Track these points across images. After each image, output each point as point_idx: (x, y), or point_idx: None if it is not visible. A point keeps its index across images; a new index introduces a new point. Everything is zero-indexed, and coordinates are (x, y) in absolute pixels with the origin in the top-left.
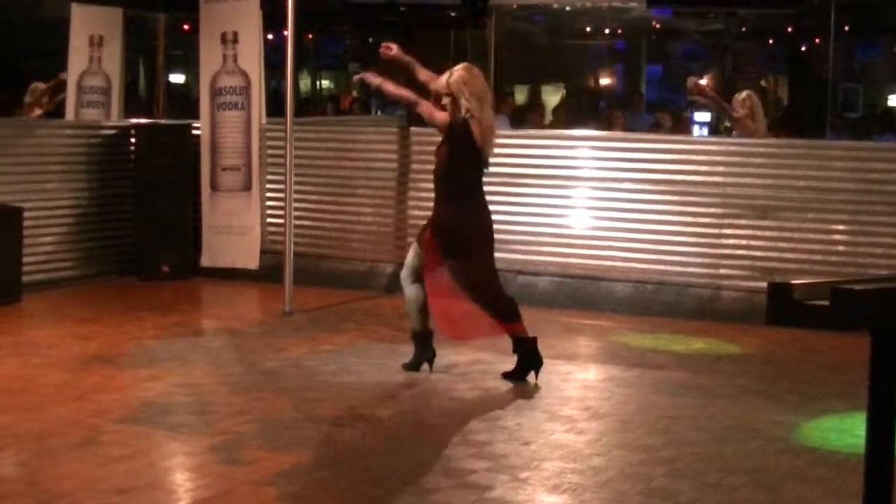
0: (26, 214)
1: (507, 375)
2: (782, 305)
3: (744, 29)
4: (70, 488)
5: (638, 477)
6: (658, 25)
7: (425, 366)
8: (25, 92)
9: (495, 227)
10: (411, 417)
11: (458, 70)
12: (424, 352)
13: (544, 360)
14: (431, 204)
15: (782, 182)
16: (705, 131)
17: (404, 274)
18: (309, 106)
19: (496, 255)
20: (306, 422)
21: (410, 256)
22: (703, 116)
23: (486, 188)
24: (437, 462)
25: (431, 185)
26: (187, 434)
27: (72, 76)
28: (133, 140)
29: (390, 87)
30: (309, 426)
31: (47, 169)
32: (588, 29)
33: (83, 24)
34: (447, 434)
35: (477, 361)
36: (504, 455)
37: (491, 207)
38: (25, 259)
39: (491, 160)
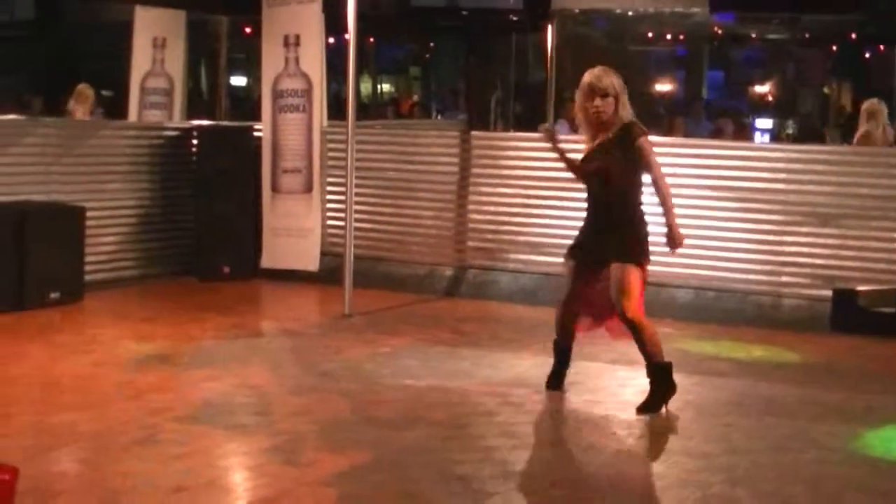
0: (89, 214)
1: (640, 408)
2: (847, 312)
3: (807, 35)
4: (129, 485)
5: (696, 484)
6: (720, 31)
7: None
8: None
9: (555, 232)
10: (469, 421)
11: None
12: (670, 384)
13: (602, 365)
14: (491, 207)
15: (844, 189)
16: (766, 138)
17: (636, 308)
18: (369, 110)
19: (558, 260)
20: (365, 424)
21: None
22: (764, 123)
23: (545, 193)
24: (495, 465)
25: (490, 189)
26: (246, 434)
27: (135, 78)
28: (195, 142)
29: (562, 152)
30: (367, 428)
31: (110, 169)
32: (650, 34)
33: (146, 27)
34: (506, 438)
35: (536, 366)
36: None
37: (551, 212)
38: (87, 258)
39: (553, 165)
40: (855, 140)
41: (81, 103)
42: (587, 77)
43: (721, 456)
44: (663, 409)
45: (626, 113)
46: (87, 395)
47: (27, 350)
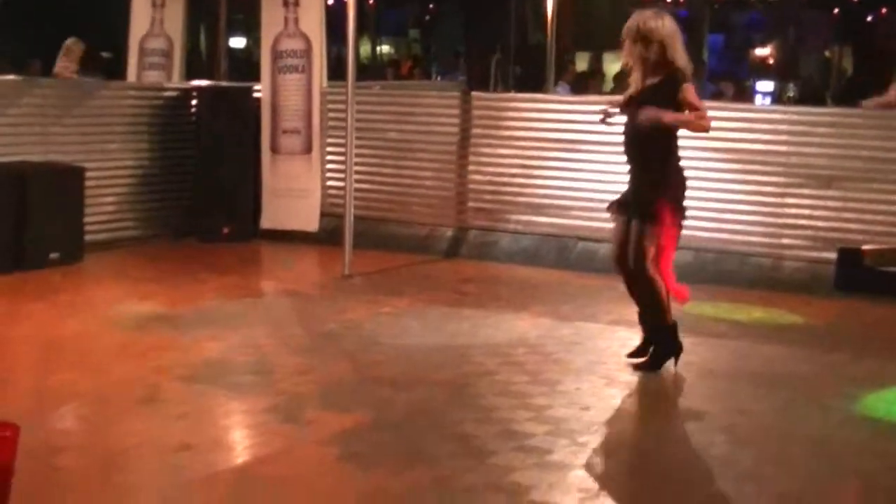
0: (88, 175)
1: (639, 366)
2: (852, 271)
3: None
4: (131, 444)
5: (697, 444)
6: None
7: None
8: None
9: (556, 193)
10: (470, 381)
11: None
12: (674, 345)
13: (603, 326)
14: (491, 168)
15: (846, 151)
16: (768, 101)
17: (646, 265)
18: (369, 72)
19: (558, 221)
20: (366, 384)
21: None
22: (765, 86)
23: (545, 154)
24: (496, 425)
25: (490, 150)
26: (247, 393)
27: (134, 38)
28: (194, 102)
29: (669, 117)
30: (369, 388)
31: (109, 130)
32: None
33: None
34: (507, 398)
35: (536, 327)
36: (563, 419)
37: (551, 173)
38: (87, 219)
39: (554, 126)
40: (885, 99)
41: (70, 59)
42: (632, 20)
43: (722, 416)
44: (672, 369)
45: (678, 57)
46: (89, 355)
47: (27, 310)
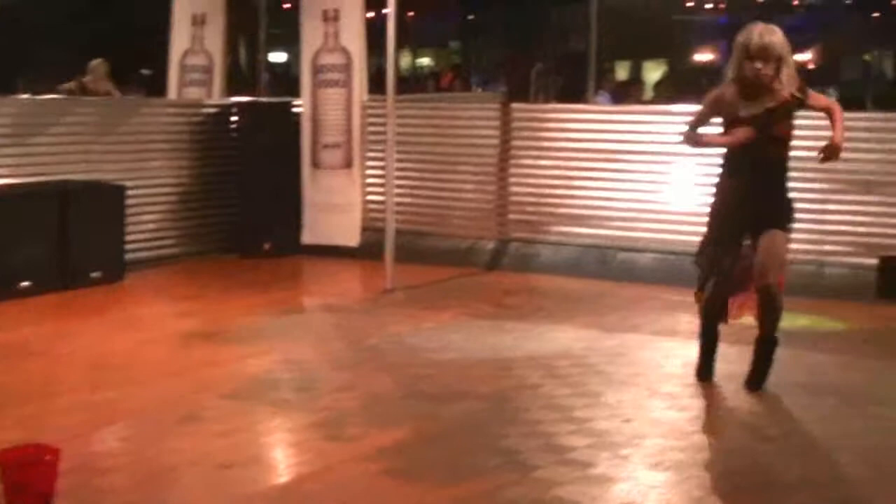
0: (129, 193)
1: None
2: (894, 279)
3: (848, 2)
4: (174, 463)
5: (743, 454)
6: None
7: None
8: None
9: (597, 203)
10: (513, 394)
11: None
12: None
13: (645, 336)
14: (532, 179)
15: (888, 156)
16: None
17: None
18: (410, 83)
19: (599, 231)
20: (409, 398)
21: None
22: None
23: (586, 165)
24: (538, 439)
25: (530, 162)
26: (290, 410)
27: (174, 55)
28: (234, 118)
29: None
30: (412, 403)
31: (150, 147)
32: (690, 3)
33: (185, 4)
34: (549, 411)
35: (580, 339)
36: (605, 432)
37: (591, 184)
38: (129, 237)
39: (594, 136)
40: None
41: (95, 77)
42: (745, 34)
43: (767, 426)
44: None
45: (790, 75)
46: (132, 372)
47: (73, 329)
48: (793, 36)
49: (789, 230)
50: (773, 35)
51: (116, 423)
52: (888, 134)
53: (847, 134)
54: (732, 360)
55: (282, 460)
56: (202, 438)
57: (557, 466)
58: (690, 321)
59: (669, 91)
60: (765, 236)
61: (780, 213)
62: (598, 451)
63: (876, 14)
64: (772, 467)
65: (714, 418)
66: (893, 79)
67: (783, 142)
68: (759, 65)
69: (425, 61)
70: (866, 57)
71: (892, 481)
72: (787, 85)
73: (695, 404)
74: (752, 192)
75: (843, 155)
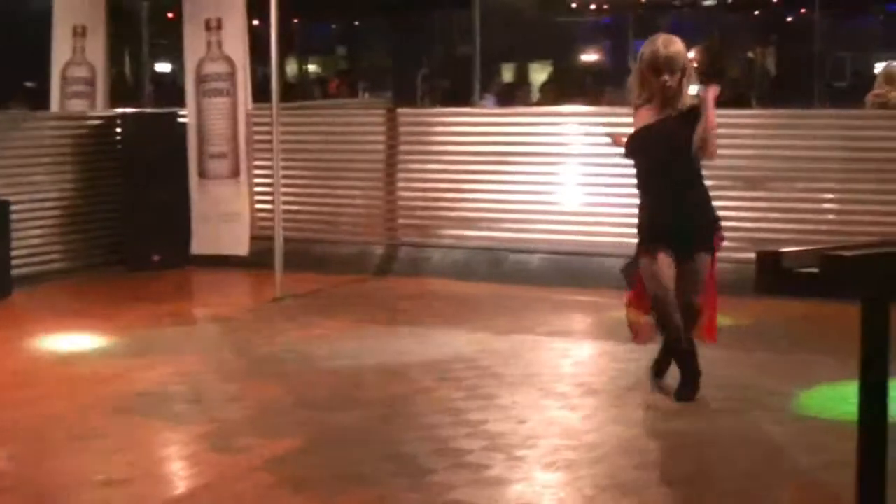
0: (13, 208)
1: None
2: (771, 274)
3: (730, 1)
4: (65, 482)
5: (633, 452)
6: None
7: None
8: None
9: (486, 206)
10: (407, 399)
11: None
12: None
13: (538, 338)
14: (421, 184)
15: (771, 152)
16: None
17: (673, 298)
18: (296, 90)
19: (489, 234)
20: (300, 407)
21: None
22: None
23: (474, 168)
24: (433, 443)
25: (419, 166)
26: (180, 423)
27: (56, 67)
28: (119, 130)
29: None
30: (302, 411)
31: (34, 161)
32: (574, 5)
33: (66, 15)
34: (444, 415)
35: (473, 342)
36: (500, 434)
37: (481, 186)
38: (14, 253)
39: (482, 139)
40: (869, 101)
41: None
42: (650, 47)
43: (658, 422)
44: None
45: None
46: (21, 390)
47: None
48: (676, 35)
49: (711, 249)
50: (675, 45)
51: (4, 444)
52: (771, 130)
53: (732, 131)
54: (627, 357)
55: (173, 474)
56: (91, 455)
57: (453, 470)
58: (582, 320)
59: (556, 92)
60: (685, 264)
61: (698, 232)
62: (493, 453)
63: (756, 12)
64: (664, 463)
65: (606, 417)
66: (777, 76)
67: (685, 152)
68: (665, 77)
69: (313, 67)
70: (750, 55)
71: (785, 472)
72: (688, 95)
73: (587, 403)
74: (663, 210)
75: (729, 152)
